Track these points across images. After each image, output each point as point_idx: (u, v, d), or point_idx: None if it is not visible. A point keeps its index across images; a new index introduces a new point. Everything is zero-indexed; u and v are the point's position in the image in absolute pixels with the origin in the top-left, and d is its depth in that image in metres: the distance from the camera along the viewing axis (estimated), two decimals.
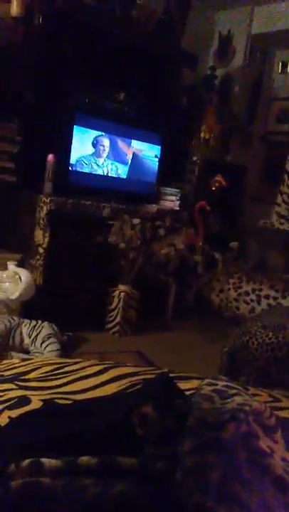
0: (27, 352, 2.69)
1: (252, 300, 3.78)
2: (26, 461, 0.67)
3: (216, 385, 0.69)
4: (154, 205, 3.79)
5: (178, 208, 3.92)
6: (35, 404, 1.08)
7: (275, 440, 0.68)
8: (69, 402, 1.09)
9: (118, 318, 3.32)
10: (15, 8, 2.99)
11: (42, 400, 1.10)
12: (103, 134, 3.46)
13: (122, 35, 3.49)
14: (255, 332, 2.35)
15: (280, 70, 4.83)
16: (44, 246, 3.11)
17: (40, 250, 3.13)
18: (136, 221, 3.25)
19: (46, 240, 3.09)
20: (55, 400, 1.10)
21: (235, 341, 2.41)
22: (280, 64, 4.81)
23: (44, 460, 0.67)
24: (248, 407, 0.63)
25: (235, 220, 4.66)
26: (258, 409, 0.66)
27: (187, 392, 1.05)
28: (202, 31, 4.59)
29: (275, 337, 2.28)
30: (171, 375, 1.30)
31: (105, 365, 1.37)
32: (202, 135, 4.30)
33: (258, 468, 0.59)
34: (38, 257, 3.14)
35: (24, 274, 2.92)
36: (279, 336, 2.28)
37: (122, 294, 3.32)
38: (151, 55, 3.76)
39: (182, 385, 1.12)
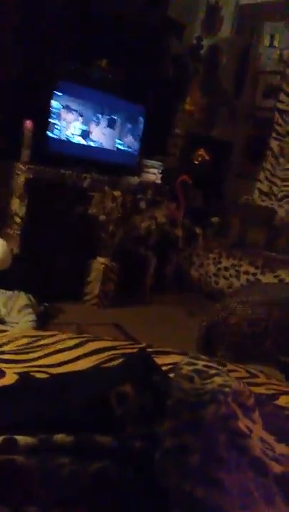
0: (2, 322, 2.65)
1: (231, 275, 3.80)
2: (0, 438, 0.65)
3: (196, 364, 0.67)
4: (136, 177, 3.73)
5: (160, 181, 3.87)
6: (10, 377, 1.06)
7: (253, 420, 0.68)
8: (46, 375, 1.07)
9: (96, 290, 3.31)
10: None
11: (17, 373, 1.08)
12: (85, 101, 3.36)
13: (108, 0, 3.36)
14: (234, 307, 2.37)
15: (268, 43, 4.75)
16: (21, 215, 3.04)
17: (17, 219, 3.06)
18: (117, 193, 3.20)
19: (23, 209, 3.03)
20: (31, 374, 1.08)
21: (214, 316, 2.43)
22: (269, 37, 4.72)
23: (18, 437, 0.65)
24: (228, 388, 0.62)
25: (217, 195, 4.64)
26: (237, 390, 0.65)
27: (166, 368, 1.04)
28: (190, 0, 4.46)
29: (253, 313, 2.30)
30: (149, 350, 1.29)
31: (83, 339, 1.35)
32: (187, 107, 4.22)
33: (237, 449, 0.58)
34: (15, 226, 3.07)
35: (0, 243, 2.86)
36: (257, 311, 2.30)
37: (102, 266, 3.29)
38: (137, 21, 3.64)
39: (161, 360, 1.12)
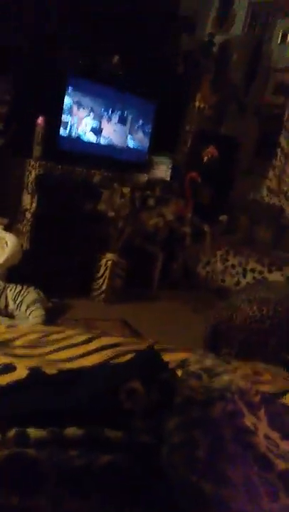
0: (12, 317, 2.69)
1: (238, 273, 3.81)
2: (12, 432, 0.68)
3: (204, 362, 0.69)
4: (144, 174, 3.74)
5: (169, 178, 3.88)
6: (21, 371, 1.08)
7: (258, 417, 0.69)
8: (55, 370, 1.09)
9: (104, 286, 3.33)
10: None
11: (27, 368, 1.10)
12: (96, 97, 3.37)
13: None
14: (240, 305, 2.38)
15: (279, 40, 4.72)
16: (32, 211, 3.07)
17: (28, 215, 3.09)
18: (126, 190, 3.21)
19: (34, 205, 3.05)
20: (41, 368, 1.11)
21: (220, 313, 2.44)
22: (281, 34, 4.70)
23: (30, 430, 0.68)
24: (234, 386, 0.64)
25: (225, 192, 4.64)
26: (243, 388, 0.67)
27: (173, 364, 1.06)
28: None
29: (259, 310, 2.31)
30: (157, 346, 1.31)
31: (92, 335, 1.37)
32: (197, 104, 4.21)
33: (243, 445, 0.60)
34: (26, 222, 3.10)
35: (11, 239, 2.89)
36: (263, 309, 2.31)
37: (110, 262, 3.31)
38: (148, 18, 3.64)
39: (168, 357, 1.13)
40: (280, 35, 4.69)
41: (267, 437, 0.68)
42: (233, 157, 4.60)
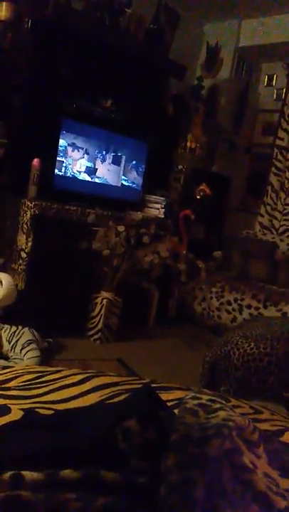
0: (6, 358, 2.65)
1: (234, 309, 3.80)
2: (7, 474, 0.66)
3: (201, 399, 0.69)
4: (139, 212, 3.80)
5: (162, 216, 3.93)
6: (15, 413, 1.07)
7: (258, 455, 0.68)
8: (50, 411, 1.08)
9: (100, 325, 3.31)
10: (3, 12, 2.98)
11: (22, 409, 1.08)
12: (90, 139, 3.46)
13: (111, 42, 3.51)
14: (237, 342, 2.37)
15: (265, 83, 4.91)
16: (27, 251, 3.08)
17: (23, 255, 3.10)
18: (121, 228, 3.25)
19: (29, 244, 3.07)
20: (36, 410, 1.09)
21: (217, 351, 2.43)
22: (266, 77, 4.89)
23: (25, 473, 0.66)
24: (232, 423, 0.63)
25: (218, 229, 4.70)
26: (241, 425, 0.67)
27: (170, 403, 1.05)
28: (190, 42, 4.64)
29: (257, 347, 2.29)
30: (153, 385, 1.29)
31: (87, 375, 1.36)
32: (188, 144, 4.33)
33: (242, 484, 0.59)
34: (21, 261, 3.11)
35: (5, 278, 2.89)
36: (260, 346, 2.29)
37: (105, 300, 3.31)
38: (139, 63, 3.79)
39: (165, 396, 1.12)
40: (266, 78, 4.89)
41: (266, 475, 0.67)
42: (225, 195, 4.69)
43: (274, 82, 4.83)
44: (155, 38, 3.82)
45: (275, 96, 4.79)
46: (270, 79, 4.85)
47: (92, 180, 3.56)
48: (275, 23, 4.34)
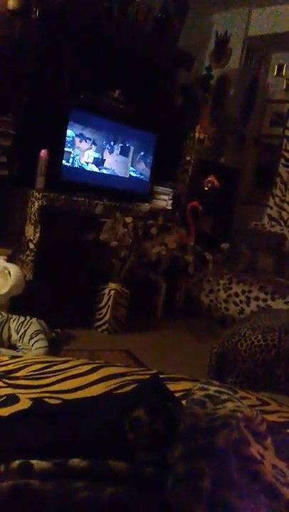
0: (14, 348, 2.67)
1: (241, 301, 3.80)
2: (16, 462, 0.67)
3: (208, 390, 0.69)
4: (146, 203, 3.79)
5: (170, 208, 3.92)
6: (24, 402, 1.07)
7: (265, 446, 0.68)
8: (58, 401, 1.08)
9: (108, 316, 3.32)
10: (12, 2, 2.96)
11: (30, 399, 1.09)
12: (98, 129, 3.45)
13: (119, 33, 3.48)
14: (244, 334, 2.37)
15: (275, 73, 4.85)
16: (35, 242, 3.09)
17: (31, 246, 3.11)
18: (128, 219, 3.24)
19: (37, 235, 3.08)
20: (44, 399, 1.10)
21: (224, 342, 2.43)
22: (276, 67, 4.83)
23: (34, 462, 0.67)
24: (239, 414, 0.63)
25: (226, 221, 4.68)
26: (249, 416, 0.67)
27: (177, 394, 1.05)
28: (199, 32, 4.59)
29: (264, 339, 2.29)
30: (161, 376, 1.30)
31: (95, 365, 1.37)
32: (196, 135, 4.30)
33: (249, 475, 0.59)
34: (29, 252, 3.12)
35: (14, 269, 2.90)
36: (268, 338, 2.29)
37: (112, 292, 3.31)
38: (148, 53, 3.76)
39: (172, 387, 1.12)
40: (276, 68, 4.83)
41: (274, 467, 0.67)
42: (234, 186, 4.66)
43: (283, 72, 4.77)
44: (163, 28, 3.78)
45: (284, 86, 4.74)
46: (280, 69, 4.79)
47: (100, 171, 3.55)
48: (286, 12, 4.28)
